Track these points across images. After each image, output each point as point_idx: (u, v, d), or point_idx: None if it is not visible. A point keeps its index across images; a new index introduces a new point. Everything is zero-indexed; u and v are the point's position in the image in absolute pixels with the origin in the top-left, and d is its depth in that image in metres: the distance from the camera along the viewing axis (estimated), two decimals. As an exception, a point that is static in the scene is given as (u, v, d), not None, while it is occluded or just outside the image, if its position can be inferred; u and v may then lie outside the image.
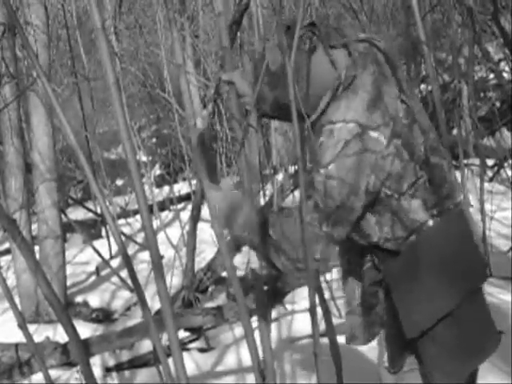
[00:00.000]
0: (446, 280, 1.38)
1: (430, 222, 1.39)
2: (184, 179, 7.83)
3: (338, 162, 1.29)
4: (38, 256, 3.84)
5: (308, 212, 1.29)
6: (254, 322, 1.60)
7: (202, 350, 3.35)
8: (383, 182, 1.34)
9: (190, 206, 5.17)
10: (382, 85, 1.36)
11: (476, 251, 1.45)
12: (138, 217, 6.04)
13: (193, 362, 3.16)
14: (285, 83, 1.32)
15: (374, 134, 1.30)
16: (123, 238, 5.15)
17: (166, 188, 7.75)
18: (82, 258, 5.34)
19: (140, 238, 5.59)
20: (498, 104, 6.81)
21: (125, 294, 4.36)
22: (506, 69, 6.05)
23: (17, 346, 3.28)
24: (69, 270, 4.49)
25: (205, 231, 4.66)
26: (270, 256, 1.35)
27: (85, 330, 3.58)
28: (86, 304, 4.35)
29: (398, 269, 1.41)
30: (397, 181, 1.35)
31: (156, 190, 7.33)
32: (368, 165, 1.30)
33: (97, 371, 3.08)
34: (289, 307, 3.60)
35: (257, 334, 1.47)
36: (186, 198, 6.79)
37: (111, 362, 3.29)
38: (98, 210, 6.27)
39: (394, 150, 1.33)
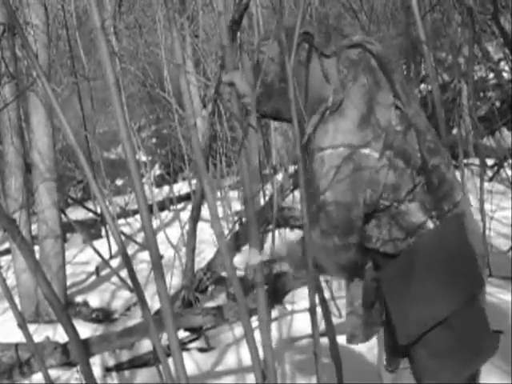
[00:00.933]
0: (440, 288, 1.38)
1: (430, 224, 1.38)
2: (184, 179, 7.83)
3: (333, 188, 1.34)
4: (37, 256, 3.83)
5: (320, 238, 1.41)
6: (254, 321, 1.60)
7: (201, 350, 3.34)
8: (380, 195, 1.36)
9: (189, 206, 5.17)
10: (374, 95, 1.36)
11: (472, 259, 1.43)
12: (137, 217, 6.03)
13: (193, 361, 3.16)
14: (279, 95, 1.40)
15: (364, 150, 1.33)
16: (123, 238, 5.15)
17: (166, 188, 7.75)
18: (81, 258, 5.34)
19: (140, 237, 5.58)
20: (497, 104, 6.81)
21: (125, 294, 4.35)
22: (506, 68, 6.05)
23: (17, 345, 3.27)
24: (69, 269, 4.49)
25: (205, 231, 4.65)
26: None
27: (85, 330, 3.58)
28: (86, 304, 4.35)
29: (392, 274, 1.41)
30: (394, 191, 1.37)
31: (156, 190, 7.32)
32: (362, 181, 1.34)
33: (97, 371, 3.08)
34: (289, 307, 3.60)
35: (257, 334, 1.47)
36: (185, 197, 6.78)
37: (111, 362, 3.29)
38: (98, 210, 6.27)
39: (387, 162, 1.35)
